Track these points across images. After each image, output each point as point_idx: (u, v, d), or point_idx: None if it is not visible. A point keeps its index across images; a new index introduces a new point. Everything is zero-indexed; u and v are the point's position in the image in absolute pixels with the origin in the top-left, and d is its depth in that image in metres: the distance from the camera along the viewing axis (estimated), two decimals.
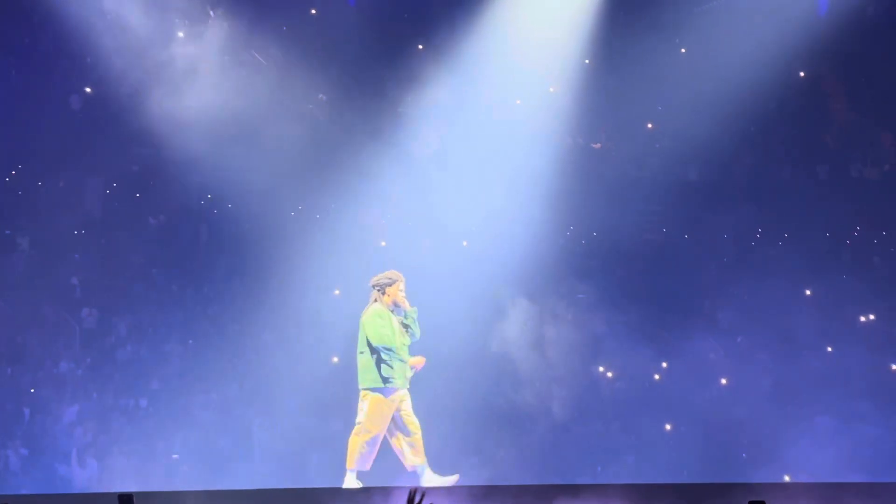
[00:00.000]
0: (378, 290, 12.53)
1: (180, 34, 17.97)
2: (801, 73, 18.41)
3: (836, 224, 18.40)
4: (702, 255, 18.48)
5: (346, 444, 12.74)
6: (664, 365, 17.85)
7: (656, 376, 17.85)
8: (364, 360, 12.48)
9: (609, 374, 17.79)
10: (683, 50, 18.54)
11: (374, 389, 12.37)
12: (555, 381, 17.44)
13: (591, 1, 17.84)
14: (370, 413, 12.37)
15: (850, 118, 18.76)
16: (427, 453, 12.84)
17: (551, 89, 18.17)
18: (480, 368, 17.17)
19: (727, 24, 18.12)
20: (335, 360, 18.28)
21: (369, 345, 12.39)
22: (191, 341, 18.45)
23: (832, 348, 17.46)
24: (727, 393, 17.45)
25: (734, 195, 18.69)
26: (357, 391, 12.78)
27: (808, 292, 17.88)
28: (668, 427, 17.59)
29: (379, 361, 12.28)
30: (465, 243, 18.03)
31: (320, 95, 18.67)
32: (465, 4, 18.43)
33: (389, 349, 12.32)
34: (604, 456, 17.26)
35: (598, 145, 18.93)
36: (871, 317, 17.79)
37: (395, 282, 12.48)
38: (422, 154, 18.46)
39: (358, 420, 12.52)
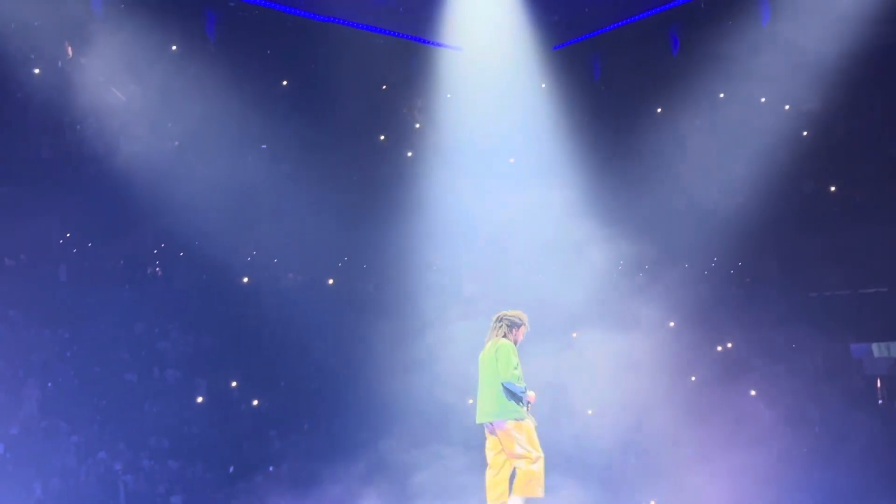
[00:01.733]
0: (507, 325, 11.81)
1: (36, 71, 17.71)
2: (659, 110, 18.84)
3: (696, 255, 18.81)
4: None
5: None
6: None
7: None
8: (501, 392, 11.54)
9: None
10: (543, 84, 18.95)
11: (517, 419, 11.36)
12: None
13: None
14: (532, 440, 11.44)
15: (705, 152, 19.23)
16: None
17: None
18: None
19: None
20: (199, 399, 18.40)
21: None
22: (50, 384, 18.14)
23: (696, 377, 17.82)
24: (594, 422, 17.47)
25: None
26: None
27: (671, 323, 18.19)
28: None
29: (515, 393, 11.42)
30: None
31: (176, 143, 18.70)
32: (329, 41, 18.55)
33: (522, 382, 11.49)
34: None
35: None
36: (729, 345, 18.32)
37: (524, 324, 11.87)
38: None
39: (520, 453, 11.35)
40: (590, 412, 17.18)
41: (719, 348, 18.28)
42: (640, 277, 18.59)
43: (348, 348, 19.04)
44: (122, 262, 19.57)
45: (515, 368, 11.29)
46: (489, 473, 11.36)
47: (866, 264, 18.49)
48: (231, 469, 17.84)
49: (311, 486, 16.80)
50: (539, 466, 11.29)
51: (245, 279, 19.45)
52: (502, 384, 11.33)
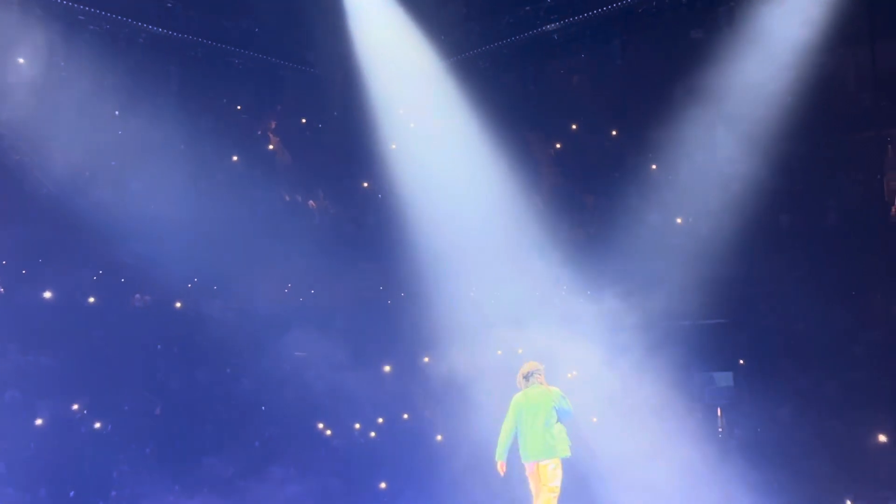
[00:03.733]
0: (537, 375, 14.35)
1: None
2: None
3: (544, 282, 19.32)
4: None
5: None
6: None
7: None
8: (560, 430, 14.16)
9: None
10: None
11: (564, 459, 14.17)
12: None
13: None
14: (560, 478, 14.12)
15: (560, 182, 20.01)
16: None
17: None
18: None
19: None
20: (39, 421, 18.23)
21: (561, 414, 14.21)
22: None
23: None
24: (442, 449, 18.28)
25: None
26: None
27: (519, 350, 18.57)
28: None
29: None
30: None
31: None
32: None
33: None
34: None
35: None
36: (575, 373, 18.74)
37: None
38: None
39: (553, 485, 13.98)
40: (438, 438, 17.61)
41: (569, 375, 18.59)
42: (492, 303, 19.11)
43: (193, 371, 19.35)
44: None
45: None
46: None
47: (708, 296, 19.01)
48: (72, 494, 17.70)
49: None
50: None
51: (91, 299, 19.19)
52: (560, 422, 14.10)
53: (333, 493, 18.50)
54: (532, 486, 14.17)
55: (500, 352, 18.76)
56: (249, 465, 18.55)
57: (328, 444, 19.26)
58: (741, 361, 19.04)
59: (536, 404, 14.11)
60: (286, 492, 18.29)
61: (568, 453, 14.16)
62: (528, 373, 14.27)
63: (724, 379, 19.15)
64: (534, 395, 14.16)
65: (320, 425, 19.32)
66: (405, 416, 19.01)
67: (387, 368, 19.60)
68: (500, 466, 14.08)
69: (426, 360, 19.08)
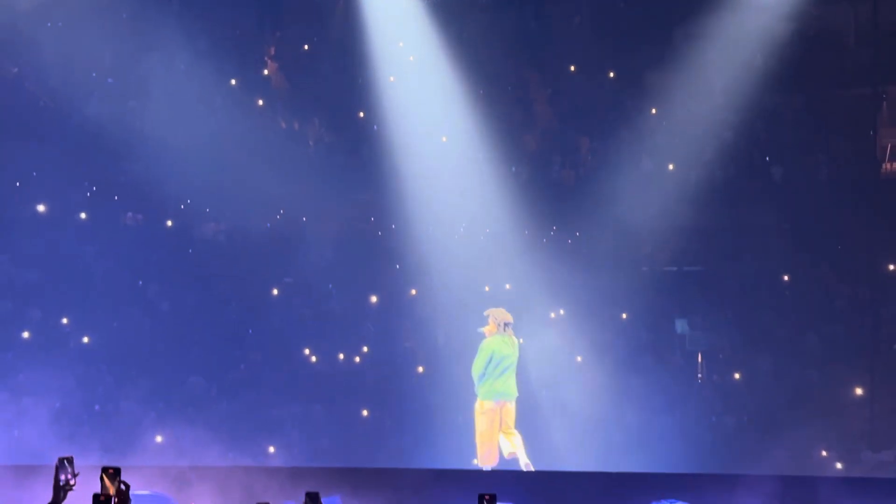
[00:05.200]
0: (510, 328, 16.06)
1: None
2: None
3: (537, 224, 19.90)
4: None
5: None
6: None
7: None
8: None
9: None
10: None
11: None
12: None
13: None
14: None
15: (550, 125, 20.45)
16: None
17: None
18: None
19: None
20: (25, 334, 18.98)
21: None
22: None
23: (524, 339, 18.54)
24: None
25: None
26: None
27: (507, 286, 19.33)
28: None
29: None
30: None
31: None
32: None
33: None
34: None
35: None
36: (561, 311, 19.38)
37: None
38: None
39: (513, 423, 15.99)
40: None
41: (552, 315, 19.27)
42: (482, 240, 19.77)
43: (182, 292, 19.77)
44: None
45: None
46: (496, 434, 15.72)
47: (695, 243, 19.70)
48: (57, 405, 18.12)
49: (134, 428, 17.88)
50: None
51: (82, 215, 19.68)
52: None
53: (315, 418, 18.93)
54: (485, 424, 15.84)
55: (487, 287, 19.27)
56: (234, 387, 18.98)
57: (312, 369, 19.65)
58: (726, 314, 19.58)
59: (508, 353, 15.93)
60: (269, 415, 18.75)
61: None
62: (506, 323, 15.89)
63: (706, 326, 19.62)
64: (507, 342, 15.94)
65: (306, 351, 19.66)
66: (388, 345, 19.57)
67: (373, 299, 19.91)
68: (481, 406, 15.84)
69: (413, 292, 19.52)
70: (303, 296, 19.96)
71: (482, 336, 15.90)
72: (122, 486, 7.30)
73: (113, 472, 7.29)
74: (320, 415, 19.07)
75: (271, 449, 18.35)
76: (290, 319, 19.66)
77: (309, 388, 19.35)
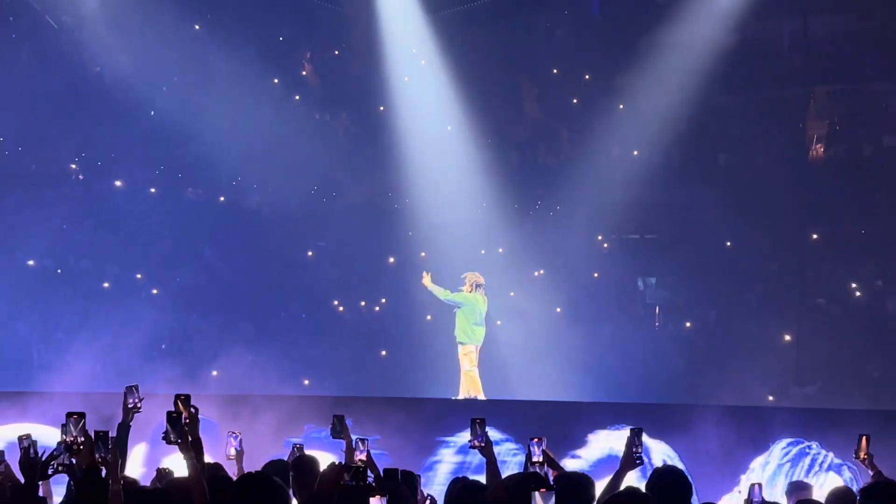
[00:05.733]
0: (482, 288, 16.64)
1: None
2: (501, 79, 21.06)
3: (525, 199, 20.92)
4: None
5: None
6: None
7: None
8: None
9: None
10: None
11: None
12: None
13: None
14: None
15: (539, 116, 21.49)
16: None
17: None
18: None
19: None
20: (105, 284, 19.61)
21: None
22: None
23: (514, 292, 19.92)
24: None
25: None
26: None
27: (500, 250, 20.23)
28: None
29: None
30: None
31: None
32: None
33: None
34: None
35: None
36: (542, 271, 20.42)
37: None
38: None
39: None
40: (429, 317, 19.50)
41: (536, 273, 20.30)
42: (479, 212, 20.44)
43: (232, 254, 20.39)
44: (34, 166, 20.64)
45: None
46: (475, 372, 16.28)
47: (655, 216, 20.63)
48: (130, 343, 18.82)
49: (194, 364, 18.04)
50: None
51: (152, 189, 20.78)
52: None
53: (342, 358, 19.67)
54: (468, 363, 16.24)
55: (483, 251, 20.03)
56: (276, 332, 19.57)
57: (340, 318, 20.39)
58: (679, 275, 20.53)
59: (482, 308, 16.55)
60: (305, 354, 19.43)
61: None
62: (478, 284, 16.54)
63: (662, 284, 20.73)
64: (479, 299, 16.54)
65: (335, 302, 20.40)
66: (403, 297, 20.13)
67: (391, 260, 20.62)
68: (464, 349, 16.44)
69: (422, 255, 20.08)
70: (332, 256, 20.51)
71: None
72: (192, 409, 7.16)
73: (185, 398, 7.15)
74: (347, 354, 19.62)
75: (306, 382, 18.77)
76: (321, 276, 20.24)
77: (337, 333, 19.99)
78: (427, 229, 20.06)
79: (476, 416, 8.08)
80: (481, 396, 16.28)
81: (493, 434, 10.01)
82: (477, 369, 16.37)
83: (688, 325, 19.96)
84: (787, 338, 19.39)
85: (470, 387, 16.31)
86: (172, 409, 7.08)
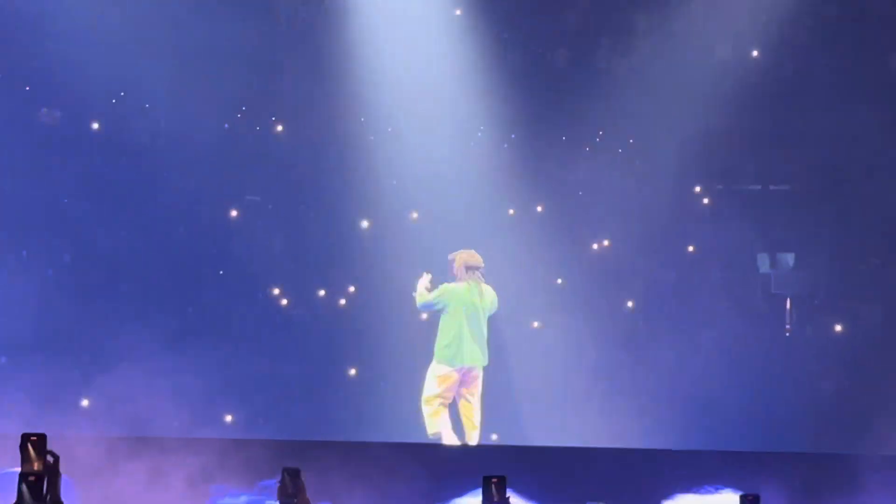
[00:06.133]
0: (480, 273, 16.13)
1: None
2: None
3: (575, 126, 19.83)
4: None
5: None
6: None
7: None
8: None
9: None
10: None
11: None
12: None
13: None
14: None
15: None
16: None
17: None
18: None
19: None
20: None
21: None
22: None
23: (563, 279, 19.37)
24: None
25: None
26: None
27: (538, 208, 19.17)
28: None
29: None
30: None
31: None
32: None
33: None
34: None
35: None
36: (606, 242, 19.53)
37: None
38: None
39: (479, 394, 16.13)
40: None
41: (595, 246, 19.45)
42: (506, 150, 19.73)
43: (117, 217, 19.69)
44: None
45: None
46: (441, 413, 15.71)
47: (781, 153, 19.73)
48: None
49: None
50: None
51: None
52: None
53: (288, 379, 18.78)
54: (442, 389, 15.67)
55: (511, 211, 19.29)
56: (181, 336, 18.62)
57: (284, 316, 19.48)
58: None
59: (477, 304, 15.73)
60: (229, 373, 18.48)
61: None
62: (474, 266, 15.66)
63: (801, 264, 19.85)
64: (474, 291, 15.69)
65: (275, 291, 19.52)
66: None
67: (364, 224, 19.81)
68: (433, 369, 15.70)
69: (414, 215, 19.48)
70: (271, 219, 19.73)
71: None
72: (51, 459, 7.56)
73: (38, 441, 7.49)
74: (295, 373, 18.76)
75: (228, 418, 18.18)
76: (254, 251, 19.33)
77: (280, 339, 19.13)
78: (422, 176, 19.09)
79: (491, 470, 8.65)
80: (452, 442, 15.48)
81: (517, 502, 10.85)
82: (472, 402, 15.67)
83: (838, 328, 19.02)
84: None
85: (436, 424, 15.68)
86: (21, 462, 7.58)
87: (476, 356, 15.70)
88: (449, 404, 15.90)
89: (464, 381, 15.58)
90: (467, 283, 15.60)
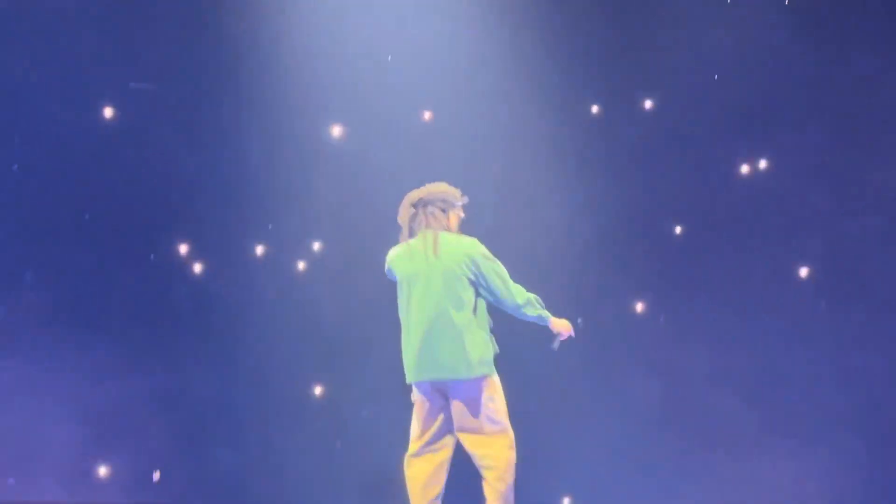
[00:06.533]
0: (441, 210, 8.72)
1: None
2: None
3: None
4: None
5: None
6: None
7: None
8: (480, 325, 8.57)
9: None
10: None
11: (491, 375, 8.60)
12: None
13: None
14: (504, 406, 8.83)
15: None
16: None
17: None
18: None
19: None
20: None
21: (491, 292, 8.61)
22: None
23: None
24: None
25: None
26: None
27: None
28: None
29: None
30: None
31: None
32: None
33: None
34: None
35: None
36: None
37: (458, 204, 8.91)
38: None
39: (496, 430, 8.61)
40: None
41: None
42: None
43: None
44: None
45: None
46: (424, 462, 8.52)
47: None
48: None
49: None
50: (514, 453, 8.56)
51: None
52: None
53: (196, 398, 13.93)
54: (417, 427, 8.46)
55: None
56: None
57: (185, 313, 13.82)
58: None
59: (430, 273, 8.36)
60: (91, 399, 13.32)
61: (490, 370, 8.38)
62: (426, 200, 8.60)
63: None
64: (422, 249, 8.46)
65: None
66: None
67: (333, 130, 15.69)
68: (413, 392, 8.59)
69: (427, 115, 17.63)
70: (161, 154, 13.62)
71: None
72: None
73: None
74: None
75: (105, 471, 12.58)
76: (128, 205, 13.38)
77: (184, 347, 13.49)
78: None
79: None
80: None
81: None
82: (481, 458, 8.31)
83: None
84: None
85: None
86: None
87: (440, 362, 8.30)
88: (447, 458, 8.67)
89: (443, 409, 8.38)
90: (409, 242, 8.48)
